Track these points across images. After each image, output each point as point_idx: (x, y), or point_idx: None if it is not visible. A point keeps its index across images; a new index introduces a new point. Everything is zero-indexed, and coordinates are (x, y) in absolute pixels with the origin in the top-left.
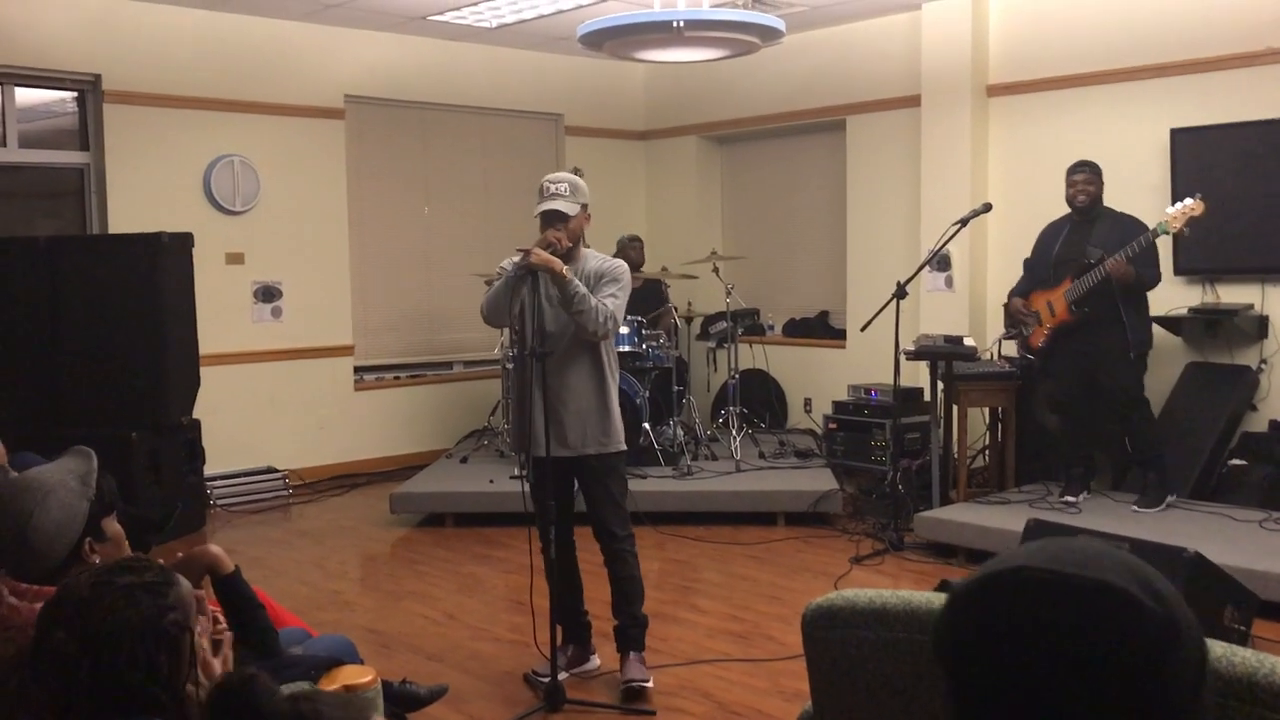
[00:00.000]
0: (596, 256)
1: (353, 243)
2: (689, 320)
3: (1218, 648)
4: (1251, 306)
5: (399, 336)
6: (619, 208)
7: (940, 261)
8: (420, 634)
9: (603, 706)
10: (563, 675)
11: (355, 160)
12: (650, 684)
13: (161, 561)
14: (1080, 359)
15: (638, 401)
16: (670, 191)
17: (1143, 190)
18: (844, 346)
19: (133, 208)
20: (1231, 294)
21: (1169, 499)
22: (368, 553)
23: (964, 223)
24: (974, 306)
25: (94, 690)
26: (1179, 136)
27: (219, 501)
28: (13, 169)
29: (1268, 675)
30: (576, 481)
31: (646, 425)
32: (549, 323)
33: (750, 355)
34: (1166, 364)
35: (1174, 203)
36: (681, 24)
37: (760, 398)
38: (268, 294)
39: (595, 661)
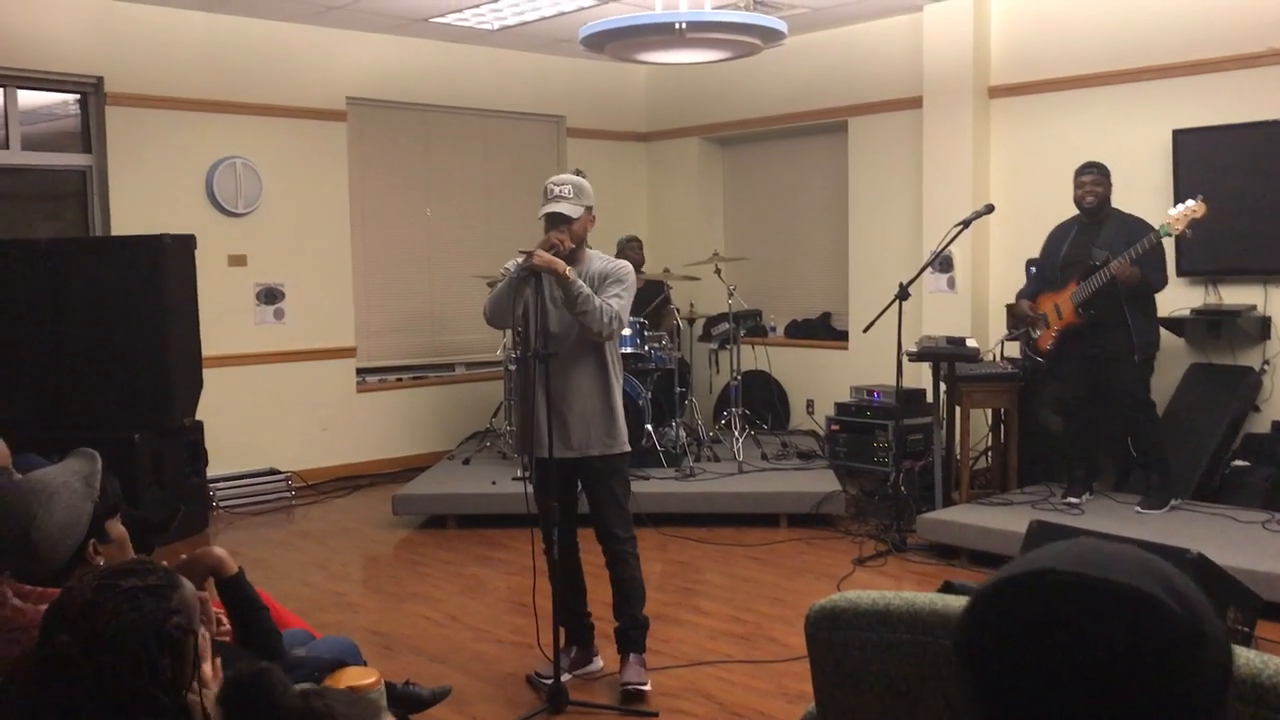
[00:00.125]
0: (601, 258)
1: (355, 244)
2: (691, 322)
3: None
4: (1254, 307)
5: (401, 338)
6: (621, 209)
7: (942, 263)
8: (423, 635)
9: (605, 708)
10: (566, 677)
11: (357, 162)
12: (648, 687)
13: (165, 563)
14: (1087, 362)
15: (640, 403)
16: (672, 193)
17: (1145, 192)
18: (846, 348)
19: (135, 210)
20: (1234, 295)
21: (1173, 502)
22: (370, 554)
23: (966, 224)
24: (976, 308)
25: (97, 693)
26: (1181, 138)
27: (222, 503)
28: (15, 171)
29: (1271, 676)
30: (580, 483)
31: (649, 426)
32: (553, 324)
33: (752, 356)
34: (1169, 365)
35: (1176, 204)
36: (683, 26)
37: (762, 399)
38: (270, 296)
39: (598, 663)
